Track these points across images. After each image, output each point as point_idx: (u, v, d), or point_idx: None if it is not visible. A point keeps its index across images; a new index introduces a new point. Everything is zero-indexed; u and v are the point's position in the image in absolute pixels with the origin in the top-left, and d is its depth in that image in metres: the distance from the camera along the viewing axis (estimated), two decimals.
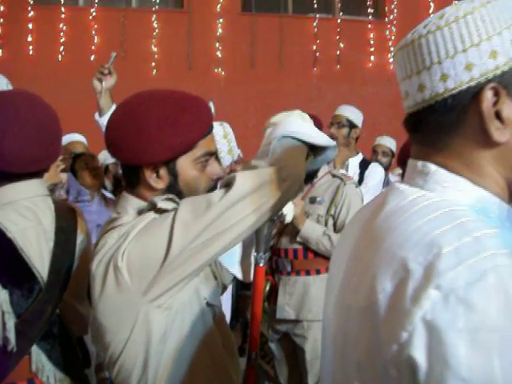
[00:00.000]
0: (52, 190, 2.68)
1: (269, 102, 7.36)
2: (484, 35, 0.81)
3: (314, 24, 8.46)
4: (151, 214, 1.31)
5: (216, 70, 8.13)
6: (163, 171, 1.37)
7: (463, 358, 0.66)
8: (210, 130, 1.42)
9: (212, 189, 1.46)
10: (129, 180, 1.43)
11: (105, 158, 4.31)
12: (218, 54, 8.12)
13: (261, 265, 2.01)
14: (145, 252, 1.24)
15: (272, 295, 3.14)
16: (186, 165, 1.38)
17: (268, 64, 8.17)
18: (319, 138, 1.57)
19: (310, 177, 3.06)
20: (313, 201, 3.05)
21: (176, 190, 1.38)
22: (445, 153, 0.86)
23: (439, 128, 0.85)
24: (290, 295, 3.04)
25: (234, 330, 4.38)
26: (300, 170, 1.44)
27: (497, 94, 0.80)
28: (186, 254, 1.26)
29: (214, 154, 1.46)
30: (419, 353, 0.69)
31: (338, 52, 8.47)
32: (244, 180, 1.31)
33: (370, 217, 0.91)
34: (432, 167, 0.86)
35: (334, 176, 3.10)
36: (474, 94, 0.81)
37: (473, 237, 0.72)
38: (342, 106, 4.12)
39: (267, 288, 3.10)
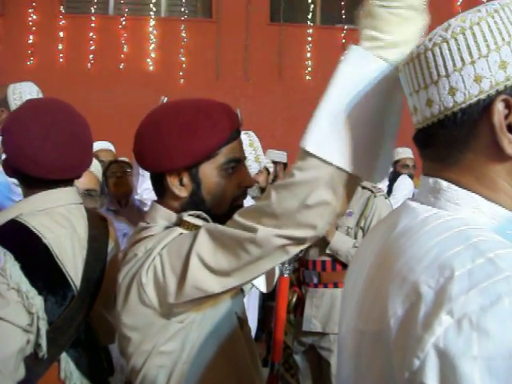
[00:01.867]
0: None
1: (296, 112, 7.32)
2: (492, 45, 0.78)
3: (342, 35, 8.44)
4: (178, 229, 1.28)
5: (244, 80, 8.16)
6: (186, 178, 1.34)
7: None
8: (233, 136, 1.38)
9: (240, 197, 1.42)
10: (157, 190, 1.42)
11: None
12: (246, 63, 8.15)
13: (285, 275, 2.00)
14: (166, 272, 1.22)
15: (298, 307, 3.11)
16: (209, 172, 1.35)
17: (295, 74, 8.17)
18: None
19: None
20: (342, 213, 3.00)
21: (199, 198, 1.36)
22: (456, 168, 0.83)
23: (450, 143, 0.82)
24: (317, 307, 3.01)
25: (259, 340, 4.36)
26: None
27: (508, 106, 0.77)
28: (203, 287, 1.21)
29: (241, 161, 1.41)
30: (432, 381, 0.65)
31: None
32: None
33: (383, 237, 0.88)
34: (444, 184, 0.83)
35: (363, 188, 3.06)
36: (484, 107, 0.78)
37: (486, 258, 0.68)
38: None
39: (294, 300, 3.08)
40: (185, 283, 1.19)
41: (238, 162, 1.40)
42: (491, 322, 0.63)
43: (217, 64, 8.16)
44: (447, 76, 0.80)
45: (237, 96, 7.94)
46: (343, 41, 8.44)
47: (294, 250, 1.18)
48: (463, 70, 0.79)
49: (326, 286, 3.00)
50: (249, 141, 3.22)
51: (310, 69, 8.21)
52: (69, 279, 1.56)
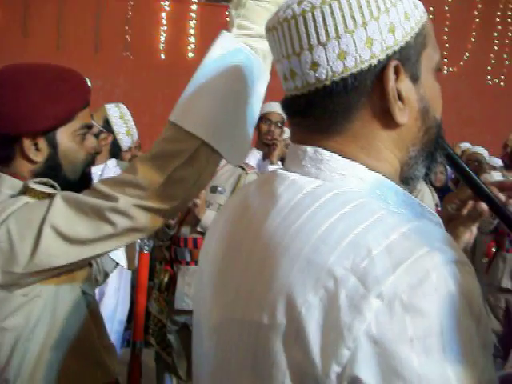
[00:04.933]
0: None
1: (178, 90, 7.17)
2: (382, 7, 0.74)
3: (227, 13, 8.39)
4: (24, 198, 1.24)
5: (124, 54, 7.90)
6: (42, 143, 1.32)
7: (418, 368, 0.59)
8: (88, 102, 1.40)
9: (90, 163, 1.45)
10: (1, 155, 1.35)
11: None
12: (127, 37, 7.89)
13: (145, 252, 1.98)
14: (12, 243, 1.17)
15: (171, 286, 3.08)
16: (65, 136, 1.35)
17: (178, 51, 8.03)
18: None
19: None
20: (214, 190, 3.01)
21: (56, 163, 1.35)
22: (340, 137, 0.77)
23: (336, 111, 0.76)
24: (189, 285, 2.99)
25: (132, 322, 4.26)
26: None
27: (396, 71, 0.75)
28: (57, 256, 1.20)
29: (91, 128, 1.44)
30: (366, 371, 0.61)
31: None
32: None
33: (257, 214, 0.79)
34: (326, 153, 0.77)
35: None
36: (376, 73, 0.74)
37: (400, 233, 0.65)
38: (275, 104, 4.04)
39: (166, 279, 3.06)
40: (36, 253, 1.17)
41: (89, 129, 1.42)
42: (422, 299, 0.61)
43: (96, 36, 7.84)
44: (337, 38, 0.73)
45: (117, 70, 7.70)
46: (227, 19, 8.40)
47: (155, 223, 1.22)
48: (355, 33, 0.73)
49: (197, 264, 2.98)
50: (119, 113, 3.14)
51: (192, 45, 8.09)
52: None
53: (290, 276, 0.68)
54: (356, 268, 0.64)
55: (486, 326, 0.67)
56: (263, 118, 3.93)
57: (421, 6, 0.81)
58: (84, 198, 1.21)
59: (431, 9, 8.18)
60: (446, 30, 8.40)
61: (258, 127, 3.98)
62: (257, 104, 1.22)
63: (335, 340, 0.62)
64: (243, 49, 1.18)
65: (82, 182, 1.39)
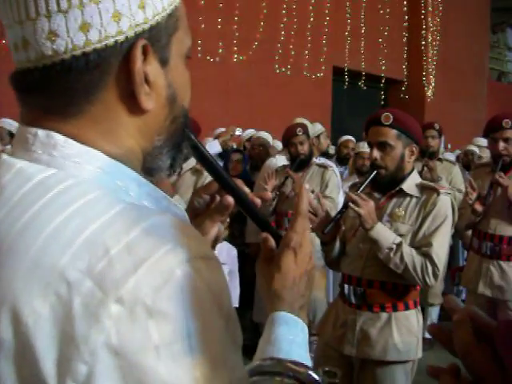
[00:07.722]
0: None
1: None
2: None
3: None
4: None
5: None
6: None
7: (165, 377, 0.55)
8: None
9: None
10: None
11: None
12: None
13: None
14: None
15: None
16: None
17: None
18: None
19: None
20: None
21: None
22: (77, 120, 0.69)
23: (75, 90, 0.68)
24: None
25: None
26: None
27: (145, 52, 0.69)
28: None
29: None
30: None
31: None
32: None
33: None
34: (59, 138, 0.68)
35: None
36: (122, 52, 0.68)
37: (141, 228, 0.60)
38: None
39: None
40: None
41: None
42: (167, 302, 0.57)
43: None
44: (81, 6, 0.65)
45: None
46: None
47: None
48: (101, 3, 0.65)
49: None
50: None
51: None
52: None
53: (15, 281, 0.59)
54: (92, 270, 0.57)
55: (235, 322, 0.66)
56: None
57: None
58: None
59: None
60: (236, 19, 8.68)
61: None
62: None
63: (70, 355, 0.55)
64: None
65: None
